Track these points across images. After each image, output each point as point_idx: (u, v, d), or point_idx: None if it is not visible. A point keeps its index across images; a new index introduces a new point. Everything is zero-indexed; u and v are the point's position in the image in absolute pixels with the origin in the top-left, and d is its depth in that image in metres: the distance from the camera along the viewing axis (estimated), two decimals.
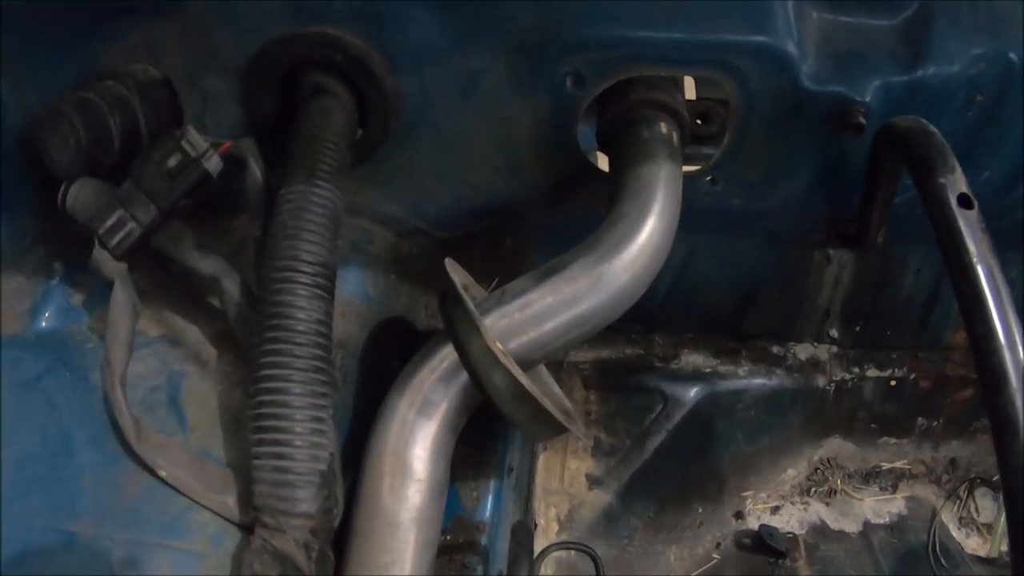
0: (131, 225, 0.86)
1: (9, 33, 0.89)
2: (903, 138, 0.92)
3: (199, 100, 0.98)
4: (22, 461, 0.81)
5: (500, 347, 0.75)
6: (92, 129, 0.88)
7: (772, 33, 0.93)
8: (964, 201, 0.83)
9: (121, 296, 0.90)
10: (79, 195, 0.90)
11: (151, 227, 0.86)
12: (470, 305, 0.77)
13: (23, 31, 0.89)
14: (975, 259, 0.79)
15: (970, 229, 0.81)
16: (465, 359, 0.80)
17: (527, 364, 0.85)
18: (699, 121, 1.09)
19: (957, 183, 0.84)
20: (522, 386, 0.75)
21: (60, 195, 0.90)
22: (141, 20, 0.94)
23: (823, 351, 1.46)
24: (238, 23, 0.93)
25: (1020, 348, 0.75)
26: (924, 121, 0.93)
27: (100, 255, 0.89)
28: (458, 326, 0.79)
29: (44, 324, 0.95)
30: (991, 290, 0.78)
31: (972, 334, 0.78)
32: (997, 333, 0.76)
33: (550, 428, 0.81)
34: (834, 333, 1.44)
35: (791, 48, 0.94)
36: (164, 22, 0.93)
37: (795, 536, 1.43)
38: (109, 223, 0.86)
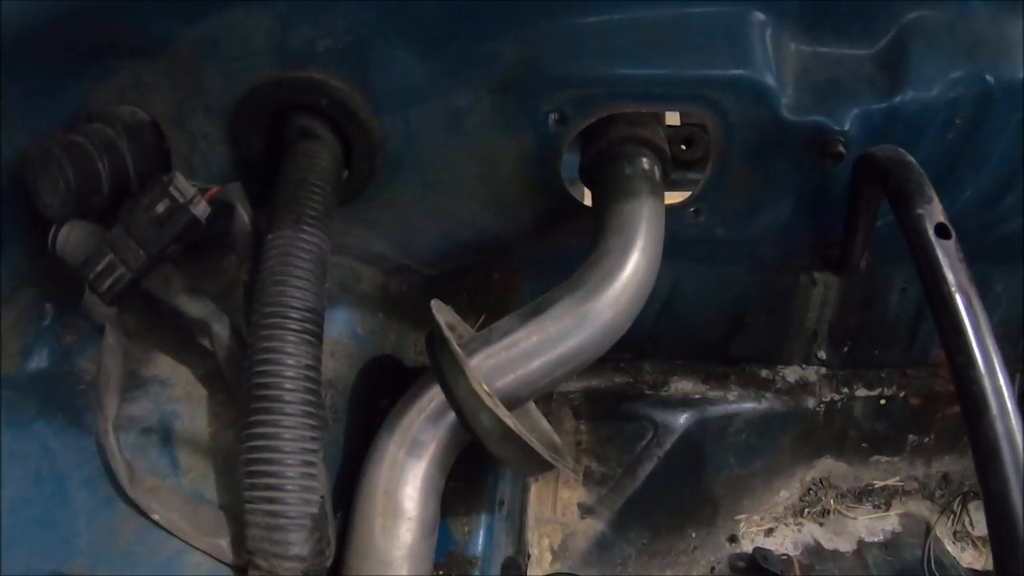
0: (120, 271, 0.86)
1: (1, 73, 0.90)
2: (881, 169, 0.93)
3: (187, 142, 0.99)
4: (16, 503, 0.81)
5: (486, 388, 0.76)
6: (81, 172, 0.88)
7: (750, 66, 0.94)
8: (941, 231, 0.84)
9: (112, 341, 0.91)
10: (69, 238, 0.90)
11: (140, 272, 0.87)
12: (455, 347, 0.78)
13: (13, 71, 0.90)
14: (953, 289, 0.80)
15: (948, 259, 0.82)
16: (452, 400, 0.80)
17: (515, 402, 0.85)
18: (683, 147, 1.10)
19: (934, 213, 0.85)
20: (508, 427, 0.76)
21: (51, 237, 0.90)
22: (129, 62, 0.94)
23: (812, 373, 1.46)
24: (225, 66, 0.93)
25: (1000, 375, 0.76)
26: (901, 151, 0.94)
27: (90, 300, 0.90)
28: (444, 368, 0.80)
29: (36, 365, 0.95)
30: (970, 319, 0.79)
31: (952, 362, 0.79)
32: (977, 361, 0.77)
33: (538, 465, 0.82)
34: (822, 354, 1.45)
35: (770, 80, 0.95)
36: (152, 64, 0.94)
37: (790, 558, 1.43)
38: (99, 268, 0.86)
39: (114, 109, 0.96)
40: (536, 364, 0.85)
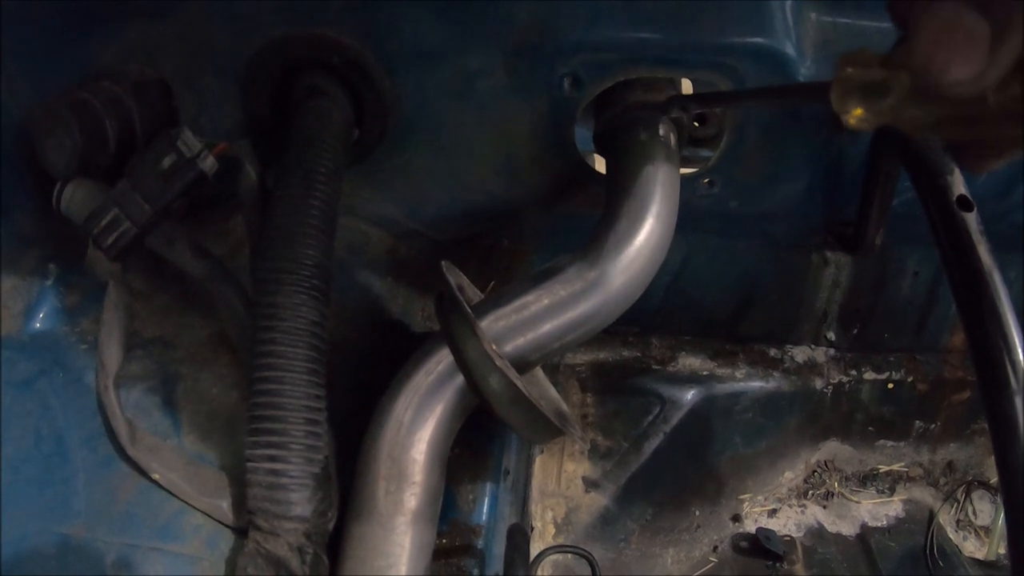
0: (125, 225, 0.85)
1: (6, 32, 0.89)
2: (901, 139, 0.92)
3: (195, 100, 0.98)
4: (16, 463, 0.81)
5: (496, 350, 0.75)
6: (87, 130, 0.87)
7: (770, 34, 0.92)
8: (963, 203, 0.83)
9: (115, 297, 0.90)
10: (74, 196, 0.89)
11: (146, 227, 0.86)
12: (466, 308, 0.76)
13: (20, 30, 0.89)
14: (974, 260, 0.79)
15: (969, 231, 0.81)
16: (461, 362, 0.79)
17: (523, 367, 0.84)
18: (696, 124, 1.09)
19: (956, 185, 0.84)
20: (518, 390, 0.74)
21: (55, 196, 0.89)
22: (138, 20, 0.93)
23: (820, 354, 1.45)
24: (235, 23, 0.92)
25: (1019, 349, 0.75)
26: None
27: (95, 256, 0.89)
28: (454, 329, 0.78)
29: (38, 325, 0.95)
30: (990, 291, 0.78)
31: (971, 335, 0.78)
32: (996, 334, 0.76)
33: (546, 431, 0.81)
34: (831, 336, 1.44)
35: (789, 50, 0.93)
36: (161, 22, 0.93)
37: (792, 539, 1.43)
38: (103, 223, 0.85)
39: (122, 67, 0.95)
40: (546, 328, 0.84)
